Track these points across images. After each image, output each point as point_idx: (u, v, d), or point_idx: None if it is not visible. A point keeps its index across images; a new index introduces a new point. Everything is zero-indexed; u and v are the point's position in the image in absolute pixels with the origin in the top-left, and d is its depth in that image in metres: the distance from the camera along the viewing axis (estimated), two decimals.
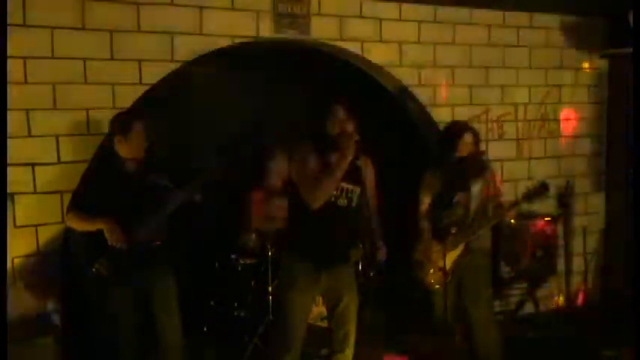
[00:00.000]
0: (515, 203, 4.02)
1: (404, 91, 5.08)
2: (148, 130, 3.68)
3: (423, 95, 5.12)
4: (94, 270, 3.52)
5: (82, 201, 3.62)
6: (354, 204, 3.44)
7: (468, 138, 4.09)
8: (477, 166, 4.13)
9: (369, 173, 3.52)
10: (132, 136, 3.62)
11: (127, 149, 3.65)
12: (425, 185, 4.21)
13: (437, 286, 4.11)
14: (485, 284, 4.18)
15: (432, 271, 4.13)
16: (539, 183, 4.04)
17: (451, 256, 4.01)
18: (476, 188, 4.08)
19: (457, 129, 4.19)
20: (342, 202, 3.40)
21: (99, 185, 3.63)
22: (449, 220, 4.07)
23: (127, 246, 3.51)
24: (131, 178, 3.66)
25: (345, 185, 3.38)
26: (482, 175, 4.10)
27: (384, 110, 5.46)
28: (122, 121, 3.68)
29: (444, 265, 3.94)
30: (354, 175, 3.37)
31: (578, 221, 5.64)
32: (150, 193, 3.65)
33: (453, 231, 4.00)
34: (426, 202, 4.18)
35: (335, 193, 3.35)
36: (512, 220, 4.84)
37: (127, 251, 3.53)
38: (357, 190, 3.43)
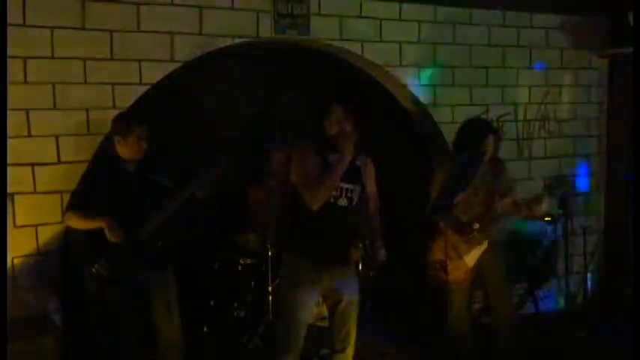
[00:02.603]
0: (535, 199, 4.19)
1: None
2: (147, 132, 3.69)
3: (423, 95, 5.12)
4: (94, 270, 3.53)
5: (80, 200, 3.62)
6: (354, 204, 3.43)
7: (491, 139, 4.15)
8: (495, 165, 4.23)
9: (368, 173, 3.52)
10: (131, 138, 3.63)
11: (125, 150, 3.66)
12: (443, 182, 4.17)
13: (459, 283, 4.13)
14: (503, 270, 4.29)
15: (452, 268, 4.09)
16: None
17: (475, 254, 4.09)
18: (493, 186, 4.17)
19: (483, 129, 4.24)
20: (342, 202, 3.39)
21: (98, 185, 3.62)
22: (467, 216, 4.11)
23: (127, 243, 3.51)
24: (130, 178, 3.66)
25: (344, 185, 3.37)
26: (499, 173, 4.24)
27: (383, 109, 5.45)
28: (122, 123, 3.69)
29: (469, 261, 4.06)
30: (353, 174, 3.38)
31: (578, 221, 5.63)
32: (149, 193, 3.65)
33: (476, 227, 4.06)
34: (444, 198, 4.15)
35: (335, 193, 3.35)
36: None
37: (127, 251, 3.53)
38: (357, 189, 3.43)
